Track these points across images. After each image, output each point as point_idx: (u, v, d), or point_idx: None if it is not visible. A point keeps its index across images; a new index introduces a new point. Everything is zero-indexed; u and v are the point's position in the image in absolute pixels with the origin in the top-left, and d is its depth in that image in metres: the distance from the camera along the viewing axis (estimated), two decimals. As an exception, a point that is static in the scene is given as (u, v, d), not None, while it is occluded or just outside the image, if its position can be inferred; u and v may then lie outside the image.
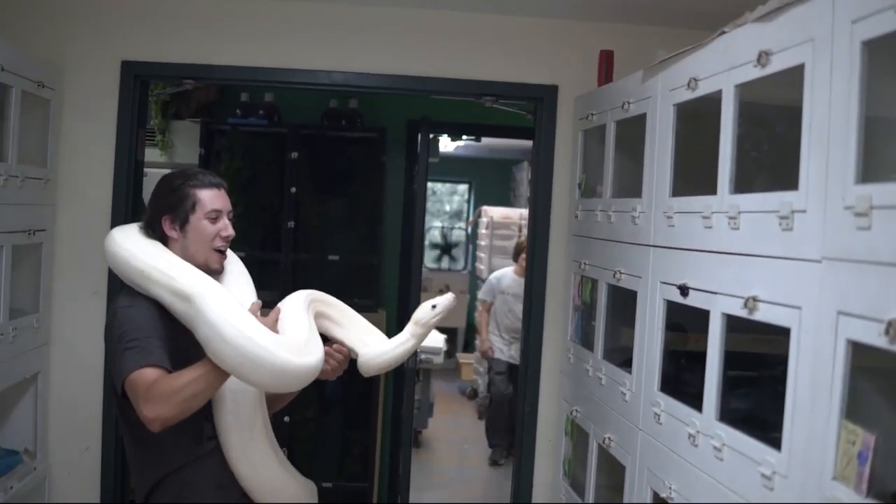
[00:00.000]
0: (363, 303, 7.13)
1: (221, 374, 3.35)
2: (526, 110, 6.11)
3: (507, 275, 10.30)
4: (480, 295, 10.78)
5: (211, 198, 3.78)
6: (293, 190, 7.48)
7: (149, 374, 3.35)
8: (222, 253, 3.83)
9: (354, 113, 7.84)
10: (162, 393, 3.28)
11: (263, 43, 5.64)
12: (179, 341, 3.53)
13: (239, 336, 3.27)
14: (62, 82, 5.41)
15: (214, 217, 3.77)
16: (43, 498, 5.36)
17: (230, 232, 3.82)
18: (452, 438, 11.59)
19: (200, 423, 3.65)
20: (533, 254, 5.82)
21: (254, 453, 3.74)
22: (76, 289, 5.52)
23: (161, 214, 3.75)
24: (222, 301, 3.40)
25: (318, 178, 7.70)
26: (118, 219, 5.45)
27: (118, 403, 3.59)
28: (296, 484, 3.93)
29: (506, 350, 10.14)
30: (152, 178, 7.14)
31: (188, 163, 7.54)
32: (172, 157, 7.66)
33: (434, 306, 3.92)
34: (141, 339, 3.46)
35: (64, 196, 5.49)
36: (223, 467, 3.70)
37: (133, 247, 3.71)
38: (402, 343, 3.93)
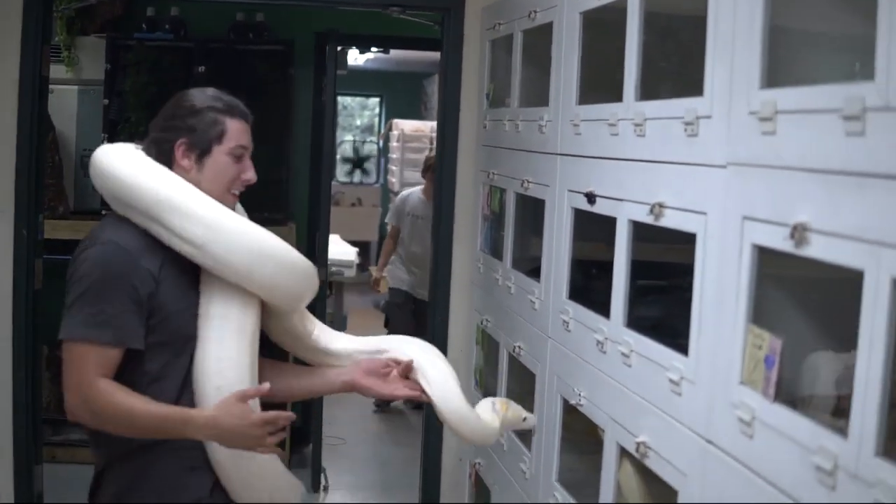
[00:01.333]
0: (273, 216, 7.11)
1: (180, 430, 3.07)
2: (433, 21, 6.07)
3: (413, 195, 9.60)
4: (387, 218, 10.18)
5: (240, 131, 3.40)
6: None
7: (92, 355, 3.06)
8: (237, 198, 3.45)
9: (261, 26, 7.79)
10: (105, 403, 3.04)
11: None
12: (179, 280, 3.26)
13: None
14: (-39, -2, 5.30)
15: (240, 155, 3.39)
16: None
17: (252, 176, 3.46)
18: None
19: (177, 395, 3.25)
20: (441, 165, 5.81)
21: None
22: (-21, 208, 5.43)
23: (176, 137, 3.30)
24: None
25: (226, 92, 7.61)
26: (24, 136, 5.37)
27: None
28: (279, 480, 3.48)
29: (406, 280, 9.51)
30: (58, 94, 7.13)
31: (94, 78, 7.48)
32: (78, 73, 7.62)
33: (525, 419, 3.80)
34: (107, 298, 3.10)
35: (-35, 114, 5.38)
36: (197, 446, 3.24)
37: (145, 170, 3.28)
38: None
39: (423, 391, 3.53)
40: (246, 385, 3.20)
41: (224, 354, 3.25)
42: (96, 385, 3.04)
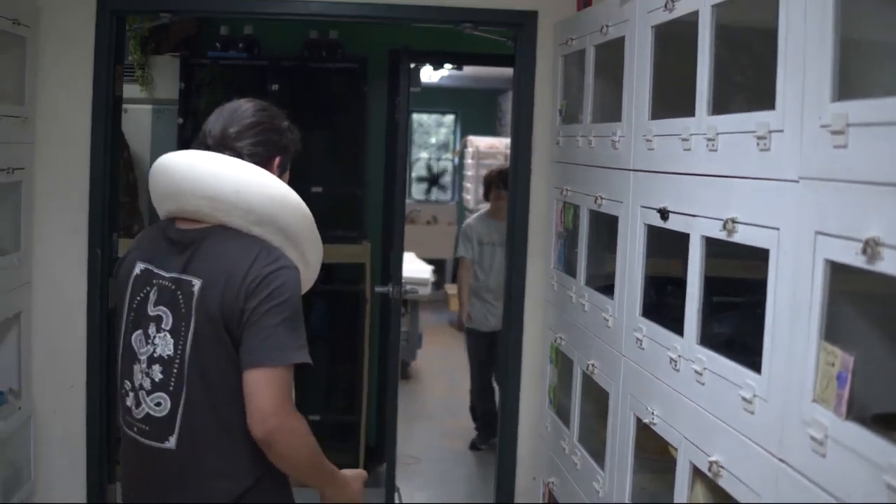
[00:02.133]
0: (347, 234, 7.15)
1: (327, 478, 3.29)
2: (506, 37, 6.07)
3: (477, 220, 8.84)
4: (459, 251, 8.94)
5: (293, 154, 3.52)
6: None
7: (289, 378, 3.12)
8: None
9: (335, 43, 7.80)
10: (300, 427, 3.12)
11: (241, -26, 5.60)
12: None
13: None
14: (38, 19, 5.34)
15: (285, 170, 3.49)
16: (29, 437, 5.36)
17: None
18: (441, 370, 11.63)
19: None
20: (515, 181, 5.79)
21: None
22: (56, 227, 5.47)
23: (274, 154, 3.37)
24: None
25: (300, 110, 7.65)
26: (97, 156, 5.44)
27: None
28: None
29: (485, 318, 8.60)
30: (132, 113, 7.19)
31: (169, 98, 7.54)
32: (152, 92, 7.64)
33: None
34: (301, 323, 3.20)
35: (42, 134, 5.42)
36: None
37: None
38: None
39: None
40: None
41: None
42: (294, 409, 3.12)
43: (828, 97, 2.38)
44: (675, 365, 3.33)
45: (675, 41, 3.68)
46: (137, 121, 7.60)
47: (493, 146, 14.40)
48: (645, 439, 3.78)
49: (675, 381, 3.35)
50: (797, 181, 2.53)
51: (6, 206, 5.17)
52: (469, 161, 14.85)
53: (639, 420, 3.76)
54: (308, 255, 3.34)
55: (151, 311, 3.20)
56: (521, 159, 5.75)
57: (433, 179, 17.69)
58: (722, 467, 2.92)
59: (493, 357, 8.43)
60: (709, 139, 3.12)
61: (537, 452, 5.67)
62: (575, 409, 4.72)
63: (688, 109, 3.31)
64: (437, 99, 16.23)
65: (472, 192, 14.40)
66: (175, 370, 3.13)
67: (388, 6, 5.66)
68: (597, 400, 4.46)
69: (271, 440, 3.05)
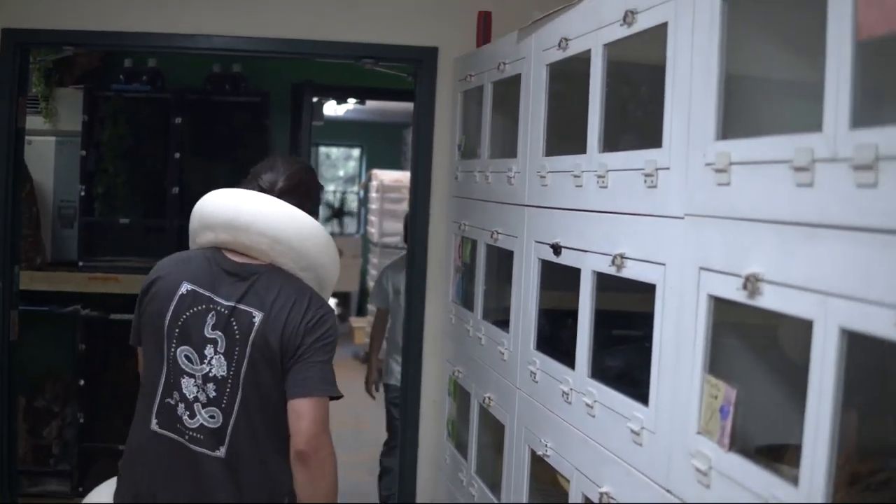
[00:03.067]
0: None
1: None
2: (407, 72, 6.11)
3: (394, 267, 7.82)
4: (372, 300, 8.44)
5: None
6: (177, 155, 7.42)
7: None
8: None
9: (238, 77, 7.80)
10: (332, 452, 3.52)
11: (145, 8, 5.58)
12: None
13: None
14: (-62, 50, 5.32)
15: None
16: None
17: None
18: (345, 402, 11.54)
19: None
20: (415, 215, 5.82)
21: None
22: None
23: (305, 204, 3.75)
24: None
25: (203, 144, 7.65)
26: (0, 186, 5.39)
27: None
28: None
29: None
30: (35, 145, 7.13)
31: (72, 129, 7.45)
32: (56, 124, 7.55)
33: None
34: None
35: (-59, 165, 5.38)
36: None
37: None
38: None
39: None
40: None
41: None
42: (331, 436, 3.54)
43: (712, 135, 2.44)
44: (568, 398, 3.37)
45: (569, 79, 3.74)
46: (40, 152, 7.51)
47: (398, 180, 14.39)
48: (540, 471, 3.81)
49: (568, 413, 3.38)
50: (682, 218, 2.58)
51: None
52: (374, 195, 14.84)
53: (533, 452, 3.79)
54: (328, 301, 3.77)
55: (209, 333, 3.50)
56: (421, 194, 5.79)
57: (338, 213, 17.68)
58: (612, 498, 2.96)
59: None
60: (599, 176, 3.17)
61: (436, 484, 5.68)
62: (472, 441, 4.74)
63: (580, 146, 3.36)
64: (343, 132, 16.26)
65: (377, 226, 14.40)
66: (228, 390, 3.47)
67: (290, 41, 5.68)
68: (493, 432, 4.49)
69: (312, 456, 3.43)
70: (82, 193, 7.24)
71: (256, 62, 7.81)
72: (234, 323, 3.48)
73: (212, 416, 3.48)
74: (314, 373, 3.47)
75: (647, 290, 2.81)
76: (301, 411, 3.43)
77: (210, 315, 3.50)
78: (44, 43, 5.93)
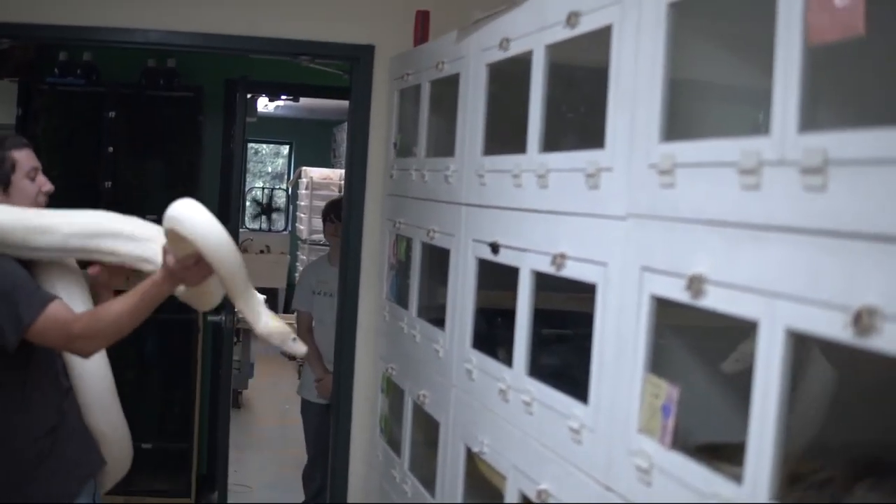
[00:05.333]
0: (179, 262, 7.06)
1: (155, 300, 3.64)
2: (343, 70, 6.11)
3: (313, 267, 7.78)
4: (296, 303, 7.62)
5: (27, 157, 3.89)
6: (110, 150, 7.42)
7: (61, 310, 3.59)
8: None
9: (172, 72, 7.77)
10: (102, 325, 3.58)
11: (81, 1, 5.53)
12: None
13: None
14: None
15: (33, 175, 3.90)
16: None
17: (50, 186, 3.97)
18: (273, 399, 11.60)
19: (58, 376, 3.87)
20: (349, 213, 5.82)
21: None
22: None
23: None
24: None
25: (136, 138, 7.63)
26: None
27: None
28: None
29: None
30: (-31, 138, 7.05)
31: (5, 123, 7.39)
32: (-11, 117, 7.51)
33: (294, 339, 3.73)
34: (28, 285, 3.63)
35: None
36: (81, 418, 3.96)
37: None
38: None
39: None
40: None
41: None
42: (91, 316, 3.67)
43: (656, 137, 2.46)
44: (505, 396, 3.38)
45: (509, 79, 3.75)
46: (-27, 145, 7.45)
47: (327, 177, 14.39)
48: (474, 469, 3.82)
49: (505, 411, 3.39)
50: (625, 218, 2.60)
51: None
52: (303, 191, 14.82)
53: (469, 449, 3.81)
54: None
55: None
56: (356, 191, 5.79)
57: (266, 209, 17.62)
58: (550, 495, 2.97)
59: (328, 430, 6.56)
60: (539, 176, 3.18)
61: (368, 481, 5.68)
62: (406, 438, 4.75)
63: (520, 146, 3.37)
64: (272, 129, 16.20)
65: (306, 223, 14.38)
66: None
67: (225, 37, 5.66)
68: (427, 429, 4.49)
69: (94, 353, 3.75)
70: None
71: (191, 57, 7.77)
72: None
73: None
74: None
75: (586, 290, 2.83)
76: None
77: None
78: (-23, 35, 5.86)
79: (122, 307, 3.60)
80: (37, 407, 3.74)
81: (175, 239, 3.52)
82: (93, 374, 3.96)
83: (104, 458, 4.01)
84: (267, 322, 3.64)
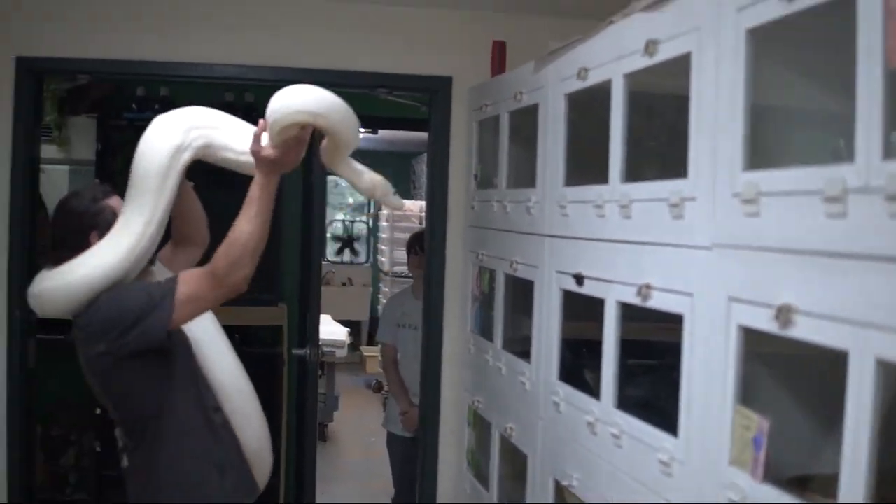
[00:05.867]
0: (262, 297, 7.10)
1: (270, 197, 3.71)
2: (421, 102, 6.11)
3: (397, 299, 7.64)
4: (380, 336, 7.53)
5: (118, 203, 3.84)
6: (192, 184, 7.43)
7: (186, 276, 3.63)
8: None
9: (251, 106, 7.79)
10: (238, 248, 3.57)
11: (158, 37, 5.58)
12: None
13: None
14: (-46, 78, 5.33)
15: None
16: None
17: None
18: (358, 432, 11.59)
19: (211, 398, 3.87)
20: (431, 245, 5.82)
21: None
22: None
23: (88, 233, 3.72)
24: None
25: (215, 171, 7.64)
26: (16, 215, 5.43)
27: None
28: None
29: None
30: (48, 173, 7.13)
31: (85, 158, 7.49)
32: (69, 152, 7.59)
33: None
34: (146, 287, 3.63)
35: (-42, 194, 5.40)
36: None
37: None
38: None
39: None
40: None
41: None
42: (218, 259, 3.60)
43: (739, 166, 2.43)
44: (593, 428, 3.36)
45: (588, 108, 3.73)
46: (54, 181, 7.52)
47: (407, 209, 14.42)
48: (562, 501, 3.79)
49: (594, 444, 3.37)
50: (710, 248, 2.58)
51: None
52: (384, 223, 14.87)
53: (558, 483, 3.78)
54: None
55: None
56: (437, 223, 5.78)
57: (348, 241, 17.68)
58: (641, 529, 2.95)
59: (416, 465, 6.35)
60: (622, 206, 3.17)
61: (456, 515, 5.67)
62: (493, 471, 4.73)
63: (601, 176, 3.36)
64: (351, 161, 16.27)
65: (387, 255, 14.42)
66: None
67: (304, 71, 5.67)
68: (515, 462, 4.47)
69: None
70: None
71: (269, 91, 7.80)
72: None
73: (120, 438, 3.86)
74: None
75: (668, 319, 2.81)
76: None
77: None
78: (58, 71, 5.93)
79: (245, 221, 3.62)
80: (208, 430, 3.81)
81: (279, 130, 3.61)
82: (235, 389, 4.01)
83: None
84: (372, 176, 3.93)
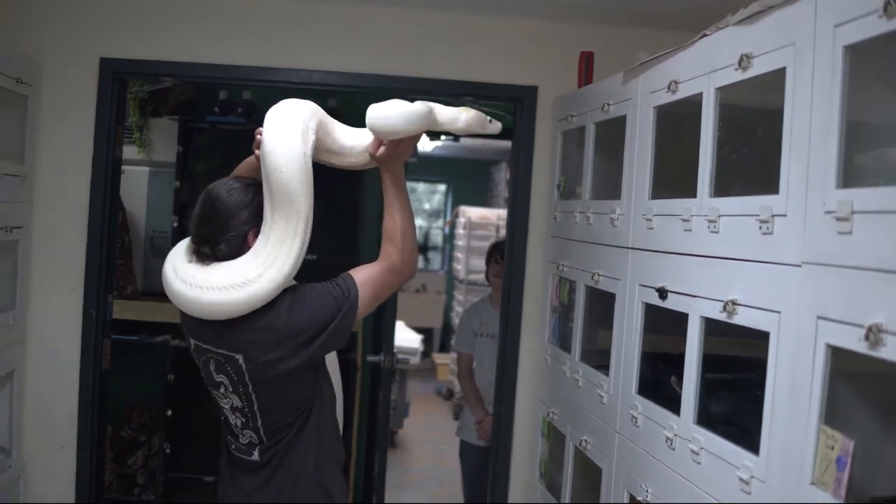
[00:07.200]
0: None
1: (402, 186, 3.92)
2: (506, 111, 6.11)
3: (475, 308, 7.52)
4: (456, 345, 7.60)
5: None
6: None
7: (365, 270, 3.76)
8: None
9: (333, 112, 7.78)
10: (400, 237, 3.79)
11: (242, 41, 5.62)
12: None
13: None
14: (40, 79, 5.39)
15: None
16: (17, 497, 5.33)
17: None
18: (428, 439, 11.60)
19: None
20: (512, 254, 5.81)
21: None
22: (52, 286, 5.50)
23: (248, 231, 3.66)
24: None
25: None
26: (95, 217, 5.47)
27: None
28: None
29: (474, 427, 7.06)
30: (129, 175, 7.19)
31: (166, 160, 7.51)
32: (150, 154, 7.63)
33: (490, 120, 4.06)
34: (329, 290, 3.65)
35: (41, 193, 5.46)
36: None
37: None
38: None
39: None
40: None
41: None
42: (387, 258, 3.82)
43: (833, 183, 2.41)
44: (671, 444, 3.34)
45: (676, 121, 3.72)
46: (134, 182, 7.57)
47: (485, 217, 14.42)
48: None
49: (671, 459, 3.35)
50: (800, 265, 2.55)
51: (3, 264, 5.19)
52: (461, 231, 14.87)
53: (632, 497, 3.76)
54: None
55: (216, 377, 3.74)
56: (518, 232, 5.78)
57: (423, 248, 17.71)
58: (718, 547, 2.93)
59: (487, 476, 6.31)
60: (710, 221, 3.14)
61: (527, 525, 5.65)
62: (566, 483, 4.71)
63: (689, 190, 3.34)
64: (429, 168, 16.30)
65: (463, 262, 14.42)
66: (249, 414, 3.74)
67: (389, 77, 5.70)
68: (588, 474, 4.46)
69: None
70: (175, 224, 7.29)
71: (352, 96, 7.83)
72: (228, 365, 3.65)
73: (250, 437, 3.76)
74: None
75: (754, 335, 2.78)
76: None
77: (210, 363, 3.71)
78: (141, 73, 5.97)
79: (396, 214, 3.82)
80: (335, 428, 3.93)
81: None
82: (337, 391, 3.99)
83: None
84: (467, 114, 3.97)
